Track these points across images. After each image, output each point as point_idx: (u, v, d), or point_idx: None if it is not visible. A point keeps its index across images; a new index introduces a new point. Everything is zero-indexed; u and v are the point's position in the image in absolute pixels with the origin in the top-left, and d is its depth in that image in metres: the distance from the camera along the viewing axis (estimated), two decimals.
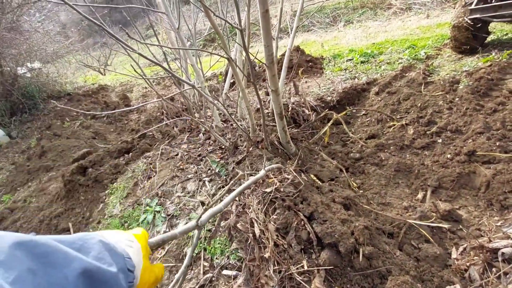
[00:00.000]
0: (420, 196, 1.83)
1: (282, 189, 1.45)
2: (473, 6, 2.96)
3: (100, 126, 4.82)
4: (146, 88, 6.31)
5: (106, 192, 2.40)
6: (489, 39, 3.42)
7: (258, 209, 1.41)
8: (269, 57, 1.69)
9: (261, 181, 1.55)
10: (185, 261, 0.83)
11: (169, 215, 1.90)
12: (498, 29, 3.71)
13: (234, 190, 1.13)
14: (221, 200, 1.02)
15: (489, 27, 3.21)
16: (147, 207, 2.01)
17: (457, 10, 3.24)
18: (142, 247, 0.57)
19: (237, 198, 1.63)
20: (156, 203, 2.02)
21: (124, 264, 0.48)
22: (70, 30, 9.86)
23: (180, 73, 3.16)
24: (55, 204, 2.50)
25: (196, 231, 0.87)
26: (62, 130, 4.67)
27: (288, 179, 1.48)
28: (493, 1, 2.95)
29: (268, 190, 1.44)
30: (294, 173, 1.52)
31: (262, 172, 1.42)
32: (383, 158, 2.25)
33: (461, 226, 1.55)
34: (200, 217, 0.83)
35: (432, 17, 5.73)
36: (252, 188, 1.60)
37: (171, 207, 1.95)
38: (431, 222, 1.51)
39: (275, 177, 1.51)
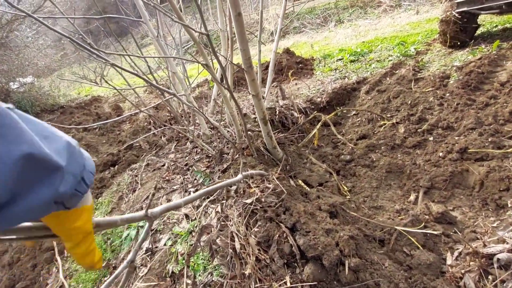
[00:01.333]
0: (412, 198, 1.75)
1: (263, 199, 1.37)
2: None
3: (92, 138, 4.75)
4: (141, 96, 6.27)
5: None
6: (479, 31, 3.36)
7: (239, 221, 1.33)
8: (246, 61, 1.63)
9: (242, 192, 1.47)
10: (129, 256, 0.72)
11: (153, 230, 1.82)
12: (487, 21, 3.66)
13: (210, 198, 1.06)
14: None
15: (478, 20, 3.15)
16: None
17: (444, 4, 3.20)
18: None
19: (219, 210, 1.56)
20: None
21: (83, 167, 0.44)
22: (64, 43, 9.87)
23: (169, 81, 3.10)
24: None
25: (146, 224, 0.76)
26: None
27: (269, 188, 1.40)
28: None
29: (248, 201, 1.37)
30: (277, 181, 1.45)
31: (238, 177, 1.34)
32: (374, 159, 2.17)
33: (455, 229, 1.47)
34: (149, 207, 0.73)
35: (421, 12, 5.70)
36: (234, 199, 1.52)
37: (155, 221, 1.87)
38: (423, 226, 1.44)
39: (256, 187, 1.44)
